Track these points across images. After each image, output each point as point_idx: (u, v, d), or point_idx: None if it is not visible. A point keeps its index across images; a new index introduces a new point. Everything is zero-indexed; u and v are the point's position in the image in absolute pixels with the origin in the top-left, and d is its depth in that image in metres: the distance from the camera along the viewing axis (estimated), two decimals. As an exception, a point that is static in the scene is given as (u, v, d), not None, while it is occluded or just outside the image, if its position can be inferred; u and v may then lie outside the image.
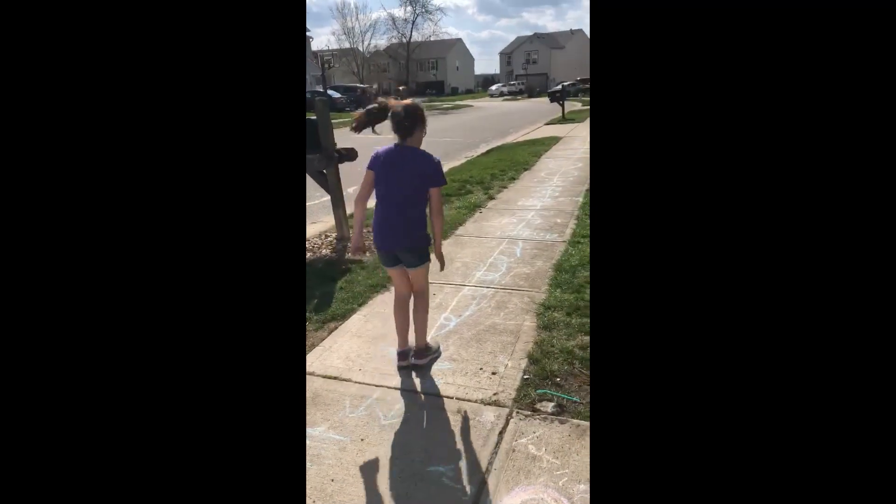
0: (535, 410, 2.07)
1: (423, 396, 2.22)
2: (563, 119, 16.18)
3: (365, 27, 68.43)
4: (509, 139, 12.33)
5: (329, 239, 4.54)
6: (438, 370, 2.42)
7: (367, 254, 3.99)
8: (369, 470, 1.80)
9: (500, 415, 2.06)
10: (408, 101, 2.24)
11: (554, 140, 11.06)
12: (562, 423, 1.98)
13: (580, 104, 23.79)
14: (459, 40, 58.92)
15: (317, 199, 5.70)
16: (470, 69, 62.02)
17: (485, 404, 2.13)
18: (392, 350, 2.59)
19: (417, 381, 2.33)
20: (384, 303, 3.20)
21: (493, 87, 46.50)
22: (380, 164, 2.22)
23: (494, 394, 2.19)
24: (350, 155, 4.49)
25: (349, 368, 2.46)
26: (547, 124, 15.46)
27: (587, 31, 55.76)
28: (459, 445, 1.89)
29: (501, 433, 1.95)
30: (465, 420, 2.04)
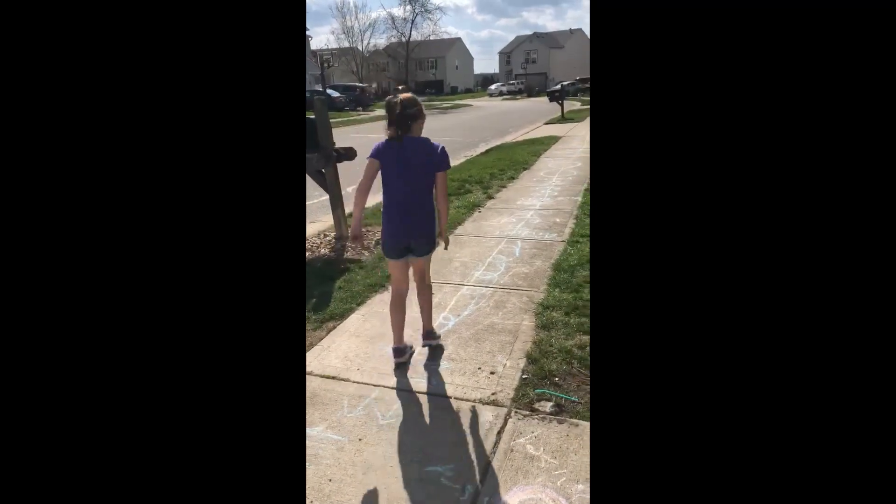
0: (533, 410, 2.06)
1: (421, 396, 2.22)
2: (563, 118, 16.19)
3: (364, 26, 68.48)
4: (508, 138, 12.34)
5: (328, 238, 4.54)
6: (437, 370, 2.42)
7: (366, 252, 4.00)
8: (367, 470, 1.79)
9: (498, 414, 2.05)
10: (405, 94, 2.27)
11: (553, 139, 11.06)
12: (560, 422, 1.98)
13: (579, 104, 23.79)
14: (459, 39, 58.91)
15: (315, 198, 5.69)
16: (469, 68, 62.00)
17: (483, 404, 2.13)
18: (391, 349, 2.58)
19: (416, 381, 2.33)
20: (383, 302, 3.19)
21: (493, 87, 46.52)
22: (388, 155, 2.23)
23: (493, 393, 2.19)
24: (348, 154, 4.49)
25: (347, 368, 2.46)
26: (546, 124, 15.46)
27: (586, 30, 55.80)
28: (458, 445, 1.89)
29: (500, 433, 1.94)
30: (463, 420, 2.04)
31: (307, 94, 17.28)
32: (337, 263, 3.90)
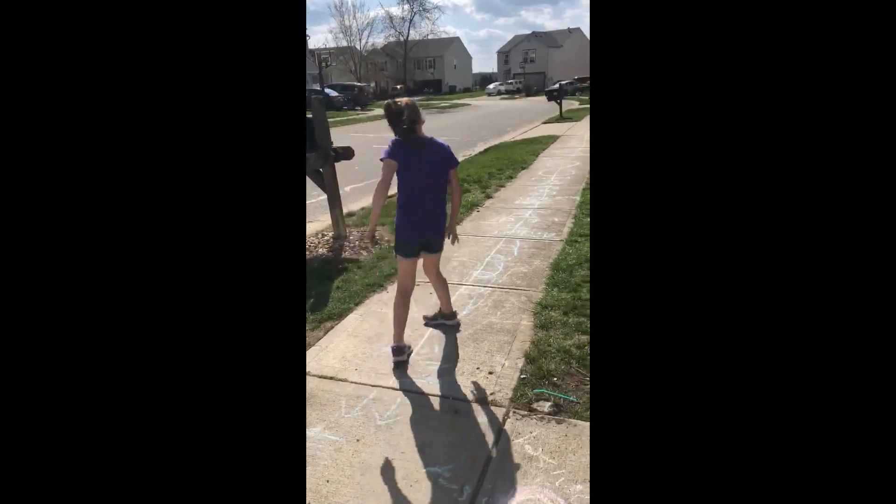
0: (531, 410, 2.06)
1: (419, 396, 2.21)
2: (561, 118, 16.19)
3: (362, 25, 68.14)
4: (507, 138, 12.33)
5: (326, 238, 4.53)
6: (435, 370, 2.41)
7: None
8: (365, 471, 1.79)
9: (496, 415, 2.05)
10: (404, 99, 2.34)
11: (551, 139, 11.05)
12: (558, 422, 1.97)
13: (577, 103, 23.81)
14: (457, 39, 58.87)
15: (313, 197, 5.67)
16: (468, 68, 61.98)
17: (481, 404, 2.12)
18: (389, 349, 2.58)
19: (414, 381, 2.32)
20: (381, 302, 3.19)
21: (491, 86, 46.49)
22: (404, 155, 2.27)
23: (491, 393, 2.19)
24: (346, 154, 4.48)
25: (345, 368, 2.45)
26: (544, 123, 15.46)
27: (585, 29, 55.86)
28: (456, 446, 1.89)
29: (498, 433, 1.94)
30: (462, 420, 2.03)
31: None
32: (335, 263, 3.90)
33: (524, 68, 50.07)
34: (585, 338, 2.57)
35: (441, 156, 2.33)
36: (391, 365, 2.45)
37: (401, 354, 2.46)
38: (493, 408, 2.09)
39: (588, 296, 3.01)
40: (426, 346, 2.63)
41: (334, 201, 4.46)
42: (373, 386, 2.30)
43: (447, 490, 1.68)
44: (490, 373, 2.35)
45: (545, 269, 3.56)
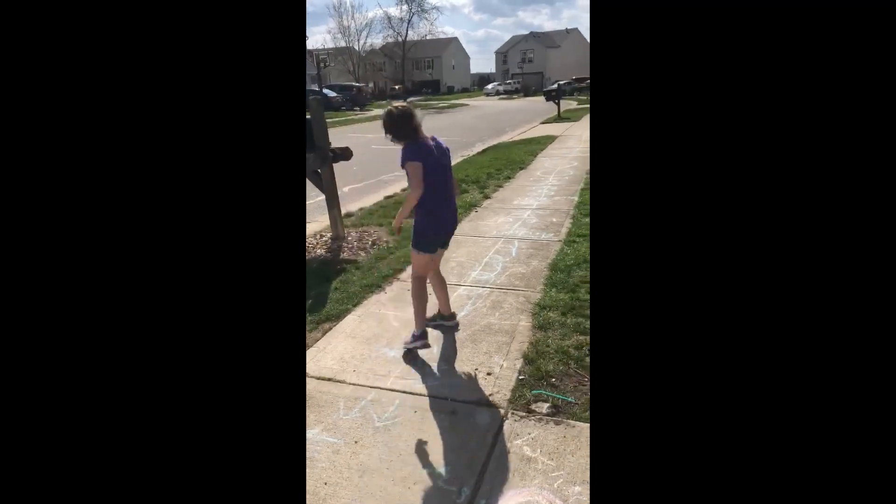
0: (530, 411, 2.06)
1: (417, 398, 2.20)
2: (559, 118, 16.20)
3: (361, 26, 68.13)
4: (505, 138, 12.33)
5: (324, 239, 4.52)
6: (433, 371, 2.41)
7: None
8: (363, 473, 1.78)
9: (495, 416, 2.04)
10: (400, 104, 2.43)
11: (550, 139, 11.06)
12: (557, 424, 1.97)
13: (575, 103, 23.82)
14: (455, 39, 58.88)
15: (311, 198, 5.66)
16: (466, 68, 61.99)
17: (480, 405, 2.12)
18: (387, 350, 2.58)
19: (412, 383, 2.32)
20: (379, 303, 3.18)
21: (489, 86, 46.50)
22: (427, 156, 2.33)
23: (489, 395, 2.18)
24: (345, 154, 4.48)
25: (343, 370, 2.45)
26: (543, 123, 15.47)
27: (583, 30, 55.92)
28: (454, 447, 1.88)
29: (496, 434, 1.93)
30: (460, 421, 2.03)
31: (303, 94, 17.18)
32: (333, 264, 3.89)
33: (522, 68, 50.12)
34: (584, 338, 2.56)
35: (447, 154, 2.45)
36: (390, 366, 2.45)
37: (424, 339, 2.56)
38: (491, 409, 2.09)
39: (586, 296, 3.01)
40: (424, 347, 2.62)
41: (332, 202, 4.45)
42: (371, 387, 2.29)
43: (445, 492, 1.68)
44: (488, 374, 2.35)
45: (543, 270, 3.56)
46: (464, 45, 62.61)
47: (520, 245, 4.15)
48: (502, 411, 2.07)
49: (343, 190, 4.56)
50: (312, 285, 3.45)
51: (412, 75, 49.17)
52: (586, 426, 1.94)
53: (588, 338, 2.56)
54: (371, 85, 41.21)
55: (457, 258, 3.89)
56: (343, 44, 44.64)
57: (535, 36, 56.23)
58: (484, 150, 10.16)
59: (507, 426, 1.98)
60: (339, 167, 4.55)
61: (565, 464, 1.76)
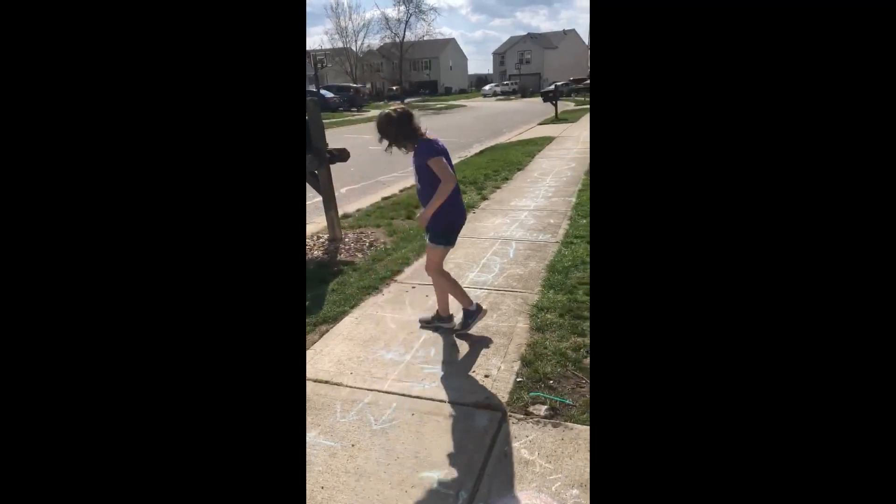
0: (528, 414, 2.05)
1: (414, 400, 2.19)
2: (556, 119, 16.22)
3: (358, 27, 68.24)
4: (502, 139, 12.34)
5: (321, 240, 4.51)
6: (431, 373, 2.40)
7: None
8: (360, 476, 1.77)
9: (492, 418, 2.03)
10: (399, 106, 2.48)
11: (547, 140, 11.07)
12: (555, 426, 1.96)
13: (573, 104, 23.86)
14: (453, 40, 58.94)
15: (308, 199, 5.64)
16: (463, 69, 62.05)
17: (477, 408, 2.11)
18: (384, 353, 2.57)
19: (409, 385, 2.31)
20: (376, 305, 3.17)
21: (487, 87, 46.51)
22: (443, 150, 2.44)
23: (487, 397, 2.17)
24: (342, 155, 4.46)
25: (340, 372, 2.43)
26: (540, 124, 15.49)
27: (580, 31, 56.06)
28: (452, 450, 1.87)
29: (494, 437, 1.93)
30: (458, 424, 2.02)
31: (301, 95, 17.17)
32: (330, 266, 3.88)
33: (520, 70, 50.20)
34: (581, 340, 2.56)
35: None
36: (387, 368, 2.44)
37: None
38: (489, 411, 2.08)
39: (583, 298, 3.01)
40: (422, 349, 2.62)
41: (329, 203, 4.44)
42: (368, 390, 2.28)
43: (443, 495, 1.67)
44: (486, 376, 2.34)
45: (541, 271, 3.55)
46: (461, 46, 62.70)
47: (517, 246, 4.15)
48: (500, 414, 2.06)
49: (340, 191, 4.55)
50: (309, 287, 3.44)
51: (410, 76, 49.18)
52: (584, 428, 1.93)
53: (585, 339, 2.56)
54: (368, 86, 41.20)
55: (454, 259, 3.88)
56: (340, 44, 44.71)
57: (532, 37, 56.32)
58: (481, 152, 10.17)
59: (504, 429, 1.97)
60: (336, 168, 4.54)
61: (563, 466, 1.75)
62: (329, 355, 2.59)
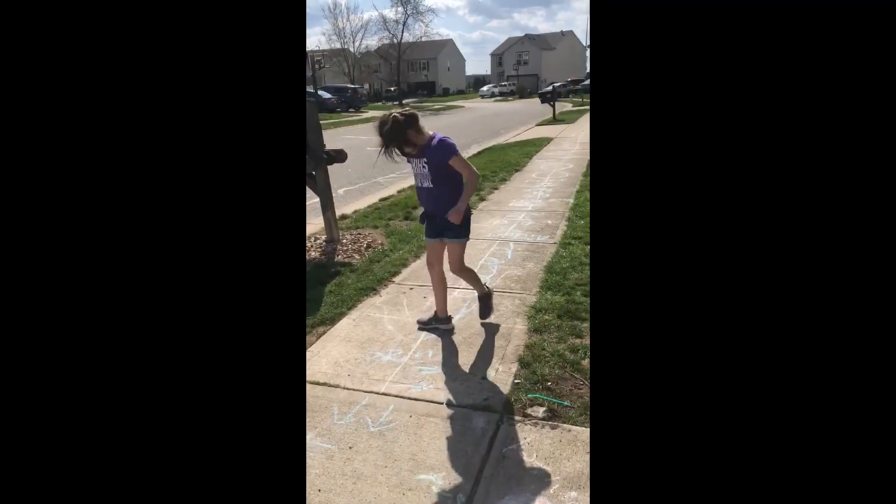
0: (526, 416, 2.04)
1: (412, 402, 2.19)
2: (554, 120, 16.23)
3: (356, 27, 68.22)
4: (500, 140, 12.35)
5: (318, 241, 4.49)
6: (428, 375, 2.39)
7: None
8: (357, 479, 1.76)
9: (490, 420, 2.03)
10: (399, 110, 2.49)
11: (545, 141, 11.07)
12: (553, 428, 1.96)
13: (570, 105, 23.89)
14: (450, 41, 59.02)
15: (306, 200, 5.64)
16: (461, 70, 62.12)
17: (475, 410, 2.10)
18: (382, 355, 2.56)
19: (407, 387, 2.30)
20: (374, 306, 3.16)
21: (485, 88, 46.59)
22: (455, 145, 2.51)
23: (485, 399, 2.17)
24: (339, 156, 4.45)
25: (338, 374, 2.42)
26: (538, 125, 15.50)
27: (577, 32, 56.18)
28: (449, 453, 1.86)
29: (492, 439, 1.92)
30: (456, 426, 2.01)
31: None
32: (327, 267, 3.87)
33: (517, 70, 50.26)
34: (579, 341, 2.55)
35: None
36: (385, 370, 2.43)
37: (449, 323, 2.80)
38: (487, 413, 2.07)
39: (581, 299, 3.00)
40: (420, 351, 2.61)
41: (327, 204, 4.43)
42: (366, 392, 2.27)
43: (441, 498, 1.66)
44: (484, 378, 2.33)
45: (539, 273, 3.55)
46: (459, 47, 62.76)
47: (515, 247, 4.14)
48: (498, 416, 2.05)
49: (338, 192, 4.54)
50: (307, 288, 3.43)
51: (407, 77, 49.20)
52: (582, 430, 1.93)
53: (583, 341, 2.55)
54: (366, 87, 41.18)
55: (452, 261, 3.87)
56: (338, 45, 44.66)
57: (530, 38, 56.40)
58: (479, 153, 10.17)
59: (502, 431, 1.96)
60: (333, 169, 4.53)
61: (561, 469, 1.75)
62: (326, 357, 2.58)
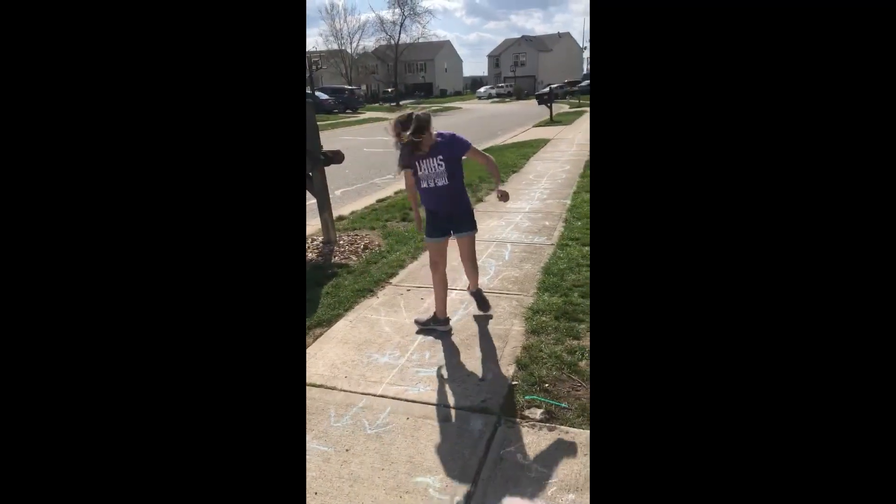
0: (523, 417, 2.04)
1: (409, 404, 2.18)
2: (551, 121, 16.26)
3: (353, 29, 68.06)
4: (498, 141, 12.35)
5: (315, 243, 4.48)
6: (426, 377, 2.38)
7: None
8: (354, 482, 1.75)
9: (488, 422, 2.02)
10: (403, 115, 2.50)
11: (542, 142, 11.09)
12: (550, 430, 1.95)
13: (567, 106, 23.94)
14: (448, 42, 59.11)
15: (303, 202, 5.63)
16: (458, 71, 62.22)
17: (472, 412, 2.10)
18: (379, 356, 2.55)
19: (404, 389, 2.29)
20: (371, 308, 3.16)
21: (482, 90, 46.65)
22: None
23: (482, 400, 2.16)
24: (336, 158, 4.45)
25: (334, 376, 2.41)
26: (535, 126, 15.52)
27: (574, 34, 56.34)
28: (446, 455, 1.86)
29: (489, 441, 1.91)
30: (453, 428, 2.00)
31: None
32: (324, 268, 3.85)
33: (514, 72, 50.30)
34: (577, 343, 2.55)
35: None
36: (382, 372, 2.42)
37: (447, 324, 2.82)
38: (484, 415, 2.07)
39: (579, 300, 3.00)
40: (417, 353, 2.60)
41: (324, 205, 4.42)
42: (363, 394, 2.26)
43: (438, 500, 1.65)
44: (481, 379, 2.33)
45: (536, 274, 3.55)
46: (456, 49, 63.02)
47: (512, 249, 4.14)
48: (495, 417, 2.05)
49: (335, 193, 4.53)
50: (303, 290, 3.42)
51: (405, 78, 49.26)
52: (580, 432, 1.92)
53: (581, 342, 2.55)
54: (363, 88, 41.19)
55: (450, 262, 3.85)
56: (335, 46, 44.64)
57: (527, 39, 56.54)
58: (476, 154, 10.16)
59: (500, 433, 1.96)
60: (330, 170, 4.52)
61: (559, 471, 1.74)
62: (323, 359, 2.57)
